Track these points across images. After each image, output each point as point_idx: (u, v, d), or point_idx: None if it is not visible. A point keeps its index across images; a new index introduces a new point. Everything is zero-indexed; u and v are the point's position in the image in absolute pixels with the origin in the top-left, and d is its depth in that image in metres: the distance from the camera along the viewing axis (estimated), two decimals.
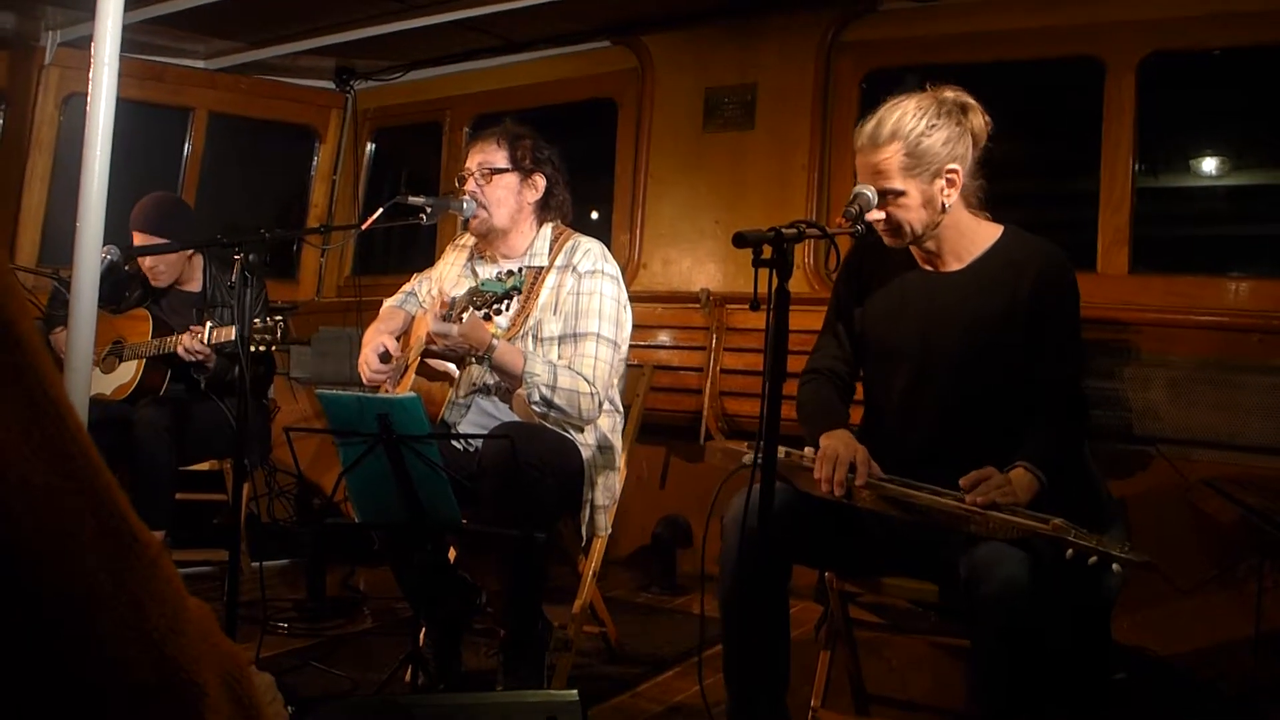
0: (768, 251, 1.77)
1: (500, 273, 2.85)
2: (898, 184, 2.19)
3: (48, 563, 0.57)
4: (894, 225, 2.24)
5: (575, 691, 1.96)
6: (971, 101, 2.27)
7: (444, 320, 2.62)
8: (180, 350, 3.60)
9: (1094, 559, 1.87)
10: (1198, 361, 3.26)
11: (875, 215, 2.22)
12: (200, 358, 3.60)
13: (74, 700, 0.60)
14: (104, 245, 3.11)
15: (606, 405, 2.86)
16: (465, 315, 2.62)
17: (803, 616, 3.08)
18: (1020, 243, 2.30)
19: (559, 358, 2.78)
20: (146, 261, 3.80)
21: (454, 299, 2.68)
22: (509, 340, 2.78)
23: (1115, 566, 1.85)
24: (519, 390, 2.71)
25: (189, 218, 3.98)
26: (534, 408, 2.69)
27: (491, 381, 2.83)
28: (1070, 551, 1.88)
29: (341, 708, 1.09)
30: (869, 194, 2.16)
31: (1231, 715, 2.73)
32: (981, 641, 2.02)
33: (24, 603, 0.57)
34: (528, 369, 2.68)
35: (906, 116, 2.19)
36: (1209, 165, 4.25)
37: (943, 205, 2.23)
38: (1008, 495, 2.01)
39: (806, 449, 2.26)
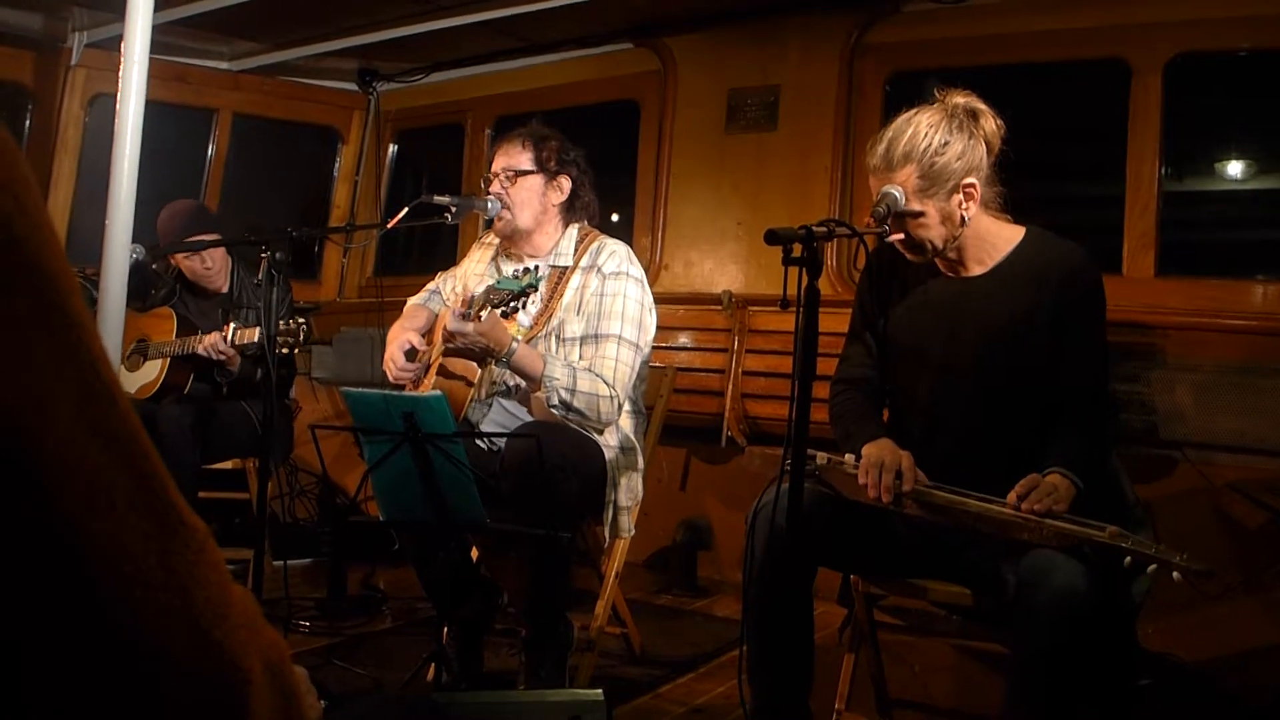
0: (798, 250, 1.76)
1: (517, 270, 2.85)
2: (915, 206, 2.17)
3: (97, 544, 0.57)
4: (915, 244, 2.23)
5: (600, 691, 1.96)
6: (982, 106, 2.24)
7: (463, 318, 2.62)
8: (200, 349, 3.62)
9: (1153, 566, 1.85)
10: (1224, 365, 3.24)
11: (895, 236, 2.22)
12: (223, 357, 3.62)
13: (120, 684, 0.60)
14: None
15: (628, 406, 2.85)
16: (484, 313, 2.62)
17: (825, 620, 3.06)
18: (1044, 245, 2.28)
19: (580, 358, 2.78)
20: (205, 264, 3.85)
21: (473, 296, 2.69)
22: (531, 340, 2.78)
23: (1175, 575, 1.84)
24: (538, 393, 2.71)
25: (213, 216, 4.05)
26: (553, 410, 2.69)
27: (512, 383, 2.83)
28: (1129, 559, 1.87)
29: (376, 702, 1.09)
30: (896, 194, 2.15)
31: None
32: (1029, 648, 1.99)
33: (71, 584, 0.57)
34: (547, 372, 2.67)
35: (918, 136, 2.16)
36: (1235, 169, 4.21)
37: (962, 218, 2.21)
38: (1059, 503, 2.00)
39: (848, 456, 2.25)
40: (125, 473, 0.59)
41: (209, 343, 3.61)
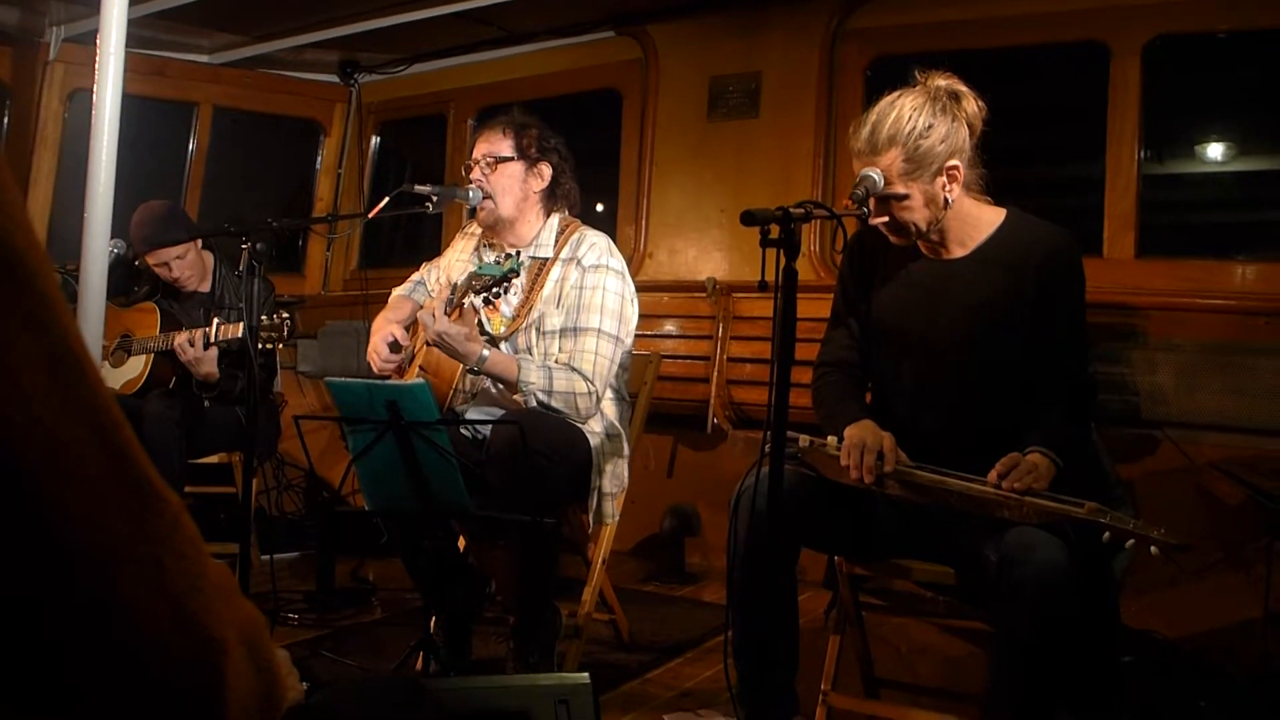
0: (775, 231, 1.77)
1: (499, 256, 2.85)
2: (899, 189, 2.18)
3: (69, 517, 0.58)
4: (899, 226, 2.24)
5: (586, 674, 1.96)
6: (963, 88, 2.25)
7: (446, 304, 2.62)
8: (175, 346, 3.59)
9: (1131, 541, 1.87)
10: (1205, 345, 3.26)
11: (879, 219, 2.23)
12: (189, 357, 3.57)
13: (96, 657, 0.60)
14: (111, 238, 3.13)
15: (611, 395, 2.86)
16: (466, 300, 2.62)
17: (810, 605, 3.08)
18: (1025, 226, 2.30)
19: (560, 350, 2.78)
20: (172, 273, 3.80)
21: (455, 285, 2.69)
22: (512, 333, 2.79)
23: (1153, 549, 1.86)
24: (516, 396, 2.72)
25: (185, 218, 3.99)
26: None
27: (493, 387, 2.83)
28: (1107, 535, 1.89)
29: (360, 685, 1.10)
30: (875, 176, 2.16)
31: (1240, 698, 2.73)
32: (1012, 625, 2.01)
33: (45, 557, 0.57)
34: (522, 377, 2.67)
35: (902, 119, 2.17)
36: (1215, 150, 4.23)
37: (945, 200, 2.22)
38: (1039, 480, 2.02)
39: (830, 438, 2.27)
40: (97, 445, 0.59)
41: (179, 341, 3.57)
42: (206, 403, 3.76)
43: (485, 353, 2.65)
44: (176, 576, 0.62)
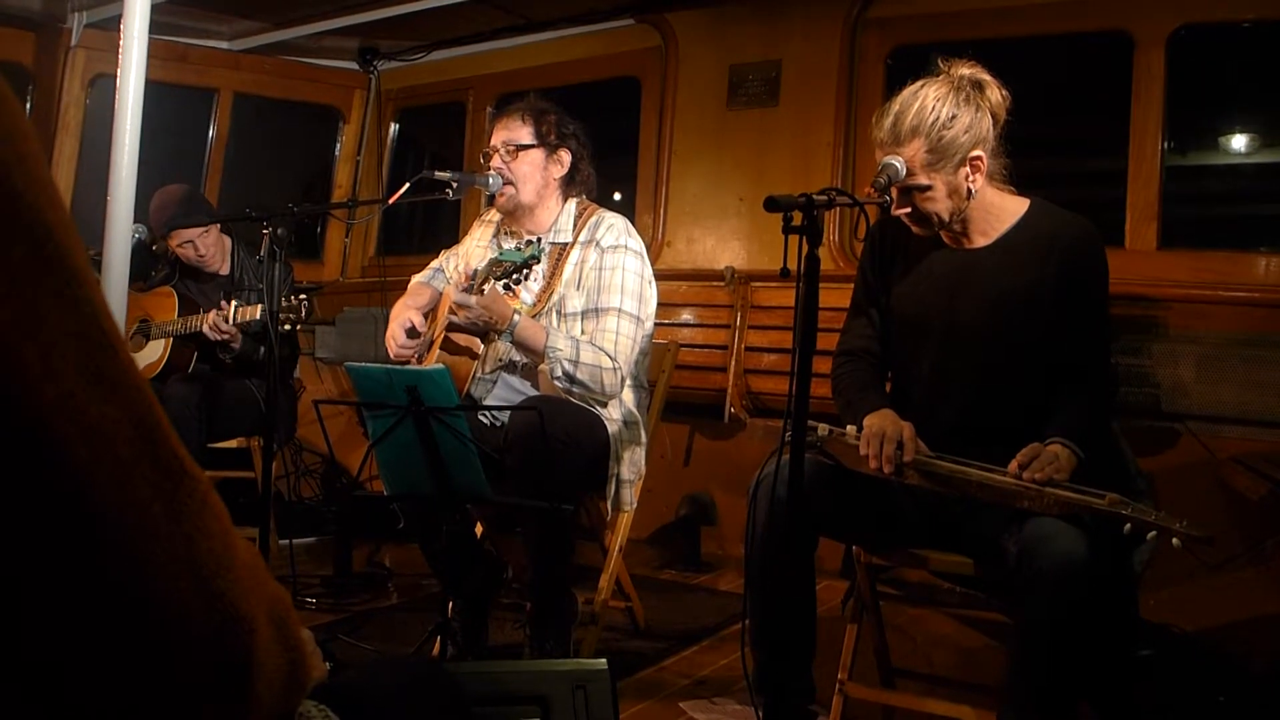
0: (798, 218, 1.76)
1: (520, 243, 2.86)
2: (922, 180, 2.17)
3: (102, 494, 0.58)
4: (921, 217, 2.23)
5: (604, 660, 1.97)
6: (987, 77, 2.24)
7: (466, 291, 2.62)
8: (205, 329, 3.62)
9: (1153, 533, 1.86)
10: (1227, 338, 3.24)
11: (901, 210, 2.21)
12: (225, 337, 3.62)
13: (125, 633, 0.60)
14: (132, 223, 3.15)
15: (630, 381, 2.86)
16: (486, 287, 2.62)
17: (827, 595, 3.07)
18: (1048, 216, 2.28)
19: (582, 333, 2.79)
20: (198, 251, 3.81)
21: (475, 270, 2.69)
22: (534, 315, 2.79)
23: (1175, 541, 1.84)
24: (542, 366, 2.72)
25: (204, 201, 4.01)
26: (556, 383, 2.70)
27: (517, 358, 2.84)
28: (1128, 526, 1.87)
29: (384, 664, 1.10)
30: (898, 164, 2.15)
31: (1260, 693, 2.71)
32: (1031, 616, 2.00)
33: (79, 534, 0.58)
34: (550, 344, 2.68)
35: (926, 109, 2.15)
36: (1239, 141, 4.19)
37: (969, 191, 2.21)
38: (1060, 471, 2.01)
39: (849, 427, 2.26)
40: (128, 422, 0.59)
41: (211, 321, 3.60)
42: (226, 363, 3.77)
43: (517, 317, 2.66)
44: (206, 554, 0.62)
